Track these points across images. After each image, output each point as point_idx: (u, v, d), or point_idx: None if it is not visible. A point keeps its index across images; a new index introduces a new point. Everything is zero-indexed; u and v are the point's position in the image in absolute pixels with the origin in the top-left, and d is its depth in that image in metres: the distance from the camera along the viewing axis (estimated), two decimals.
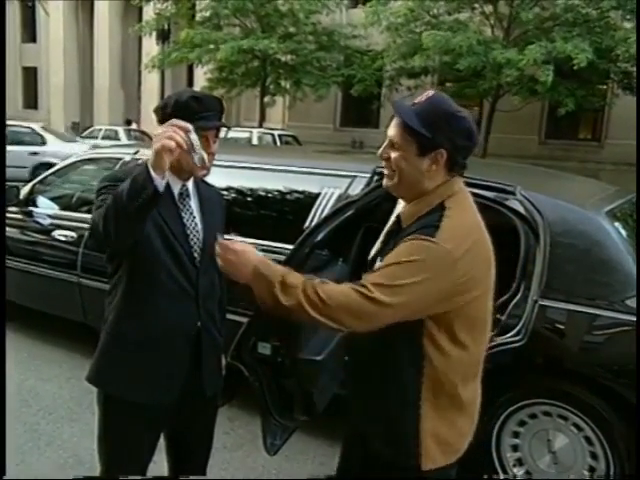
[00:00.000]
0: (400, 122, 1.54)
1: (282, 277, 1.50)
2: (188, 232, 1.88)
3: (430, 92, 1.59)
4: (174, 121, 1.59)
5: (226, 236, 1.62)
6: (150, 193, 1.54)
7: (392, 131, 1.56)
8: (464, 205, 1.59)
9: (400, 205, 1.69)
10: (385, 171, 1.62)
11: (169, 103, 1.82)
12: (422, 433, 1.58)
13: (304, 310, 1.47)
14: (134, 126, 21.79)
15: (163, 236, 1.82)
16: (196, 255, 1.89)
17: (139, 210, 1.57)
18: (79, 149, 11.11)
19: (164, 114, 1.82)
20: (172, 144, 1.51)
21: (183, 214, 1.89)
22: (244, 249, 1.57)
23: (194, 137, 1.60)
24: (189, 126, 1.58)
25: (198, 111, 1.78)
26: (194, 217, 1.91)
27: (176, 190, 1.88)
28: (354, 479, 1.86)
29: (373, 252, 1.74)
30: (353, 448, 1.85)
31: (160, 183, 1.54)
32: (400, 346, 1.58)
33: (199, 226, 1.91)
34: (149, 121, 21.84)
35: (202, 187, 1.99)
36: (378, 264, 1.59)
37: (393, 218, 1.70)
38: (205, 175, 1.88)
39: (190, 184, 1.93)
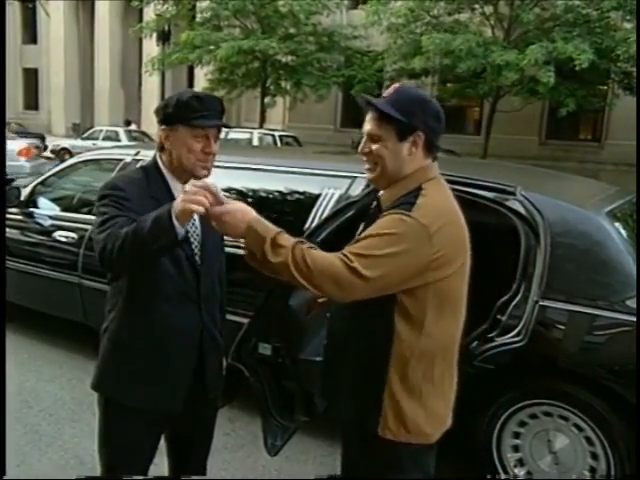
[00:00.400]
0: (376, 115, 1.64)
1: (274, 235, 1.54)
2: (189, 235, 1.87)
3: (396, 84, 1.72)
4: (205, 184, 1.58)
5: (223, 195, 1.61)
6: (171, 239, 1.58)
7: (369, 125, 1.66)
8: (440, 190, 1.68)
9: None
10: (366, 165, 1.70)
11: (170, 103, 1.83)
12: (385, 402, 1.65)
13: (289, 270, 1.51)
14: (133, 126, 21.80)
15: None
16: (197, 258, 1.89)
17: (158, 251, 1.62)
18: None
19: (165, 114, 1.83)
20: (201, 210, 1.52)
21: None
22: (238, 208, 1.58)
23: (220, 194, 1.61)
24: (217, 187, 1.60)
25: (199, 110, 1.78)
26: (194, 220, 1.90)
27: (176, 192, 1.87)
28: (355, 478, 1.87)
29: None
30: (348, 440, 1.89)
31: (181, 231, 1.58)
32: (372, 319, 1.66)
33: (199, 229, 1.91)
34: (149, 122, 21.89)
35: None
36: (362, 235, 1.63)
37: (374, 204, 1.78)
38: (206, 176, 1.88)
39: None
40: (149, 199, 1.80)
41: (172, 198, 1.83)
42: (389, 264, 1.52)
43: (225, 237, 2.10)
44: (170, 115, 1.81)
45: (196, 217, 1.90)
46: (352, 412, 1.74)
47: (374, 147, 1.65)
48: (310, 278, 1.51)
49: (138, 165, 1.97)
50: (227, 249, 2.11)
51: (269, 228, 1.56)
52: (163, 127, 1.84)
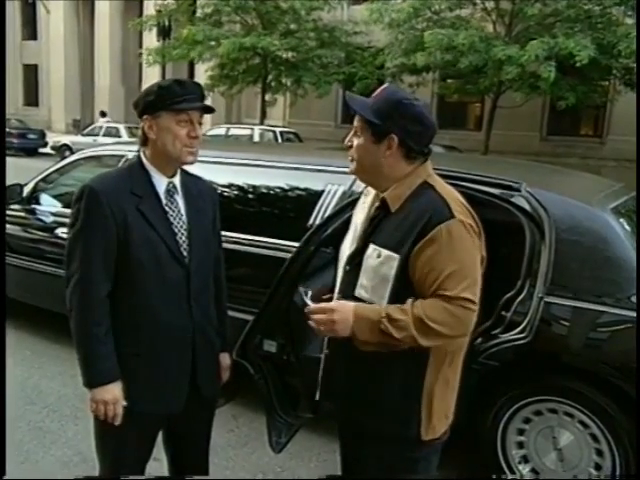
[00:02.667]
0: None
1: (386, 313, 1.55)
2: (176, 231, 1.85)
3: (385, 85, 1.76)
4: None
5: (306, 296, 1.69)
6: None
7: (355, 121, 1.70)
8: (443, 182, 1.71)
9: (370, 195, 1.79)
10: (349, 157, 1.74)
11: (151, 90, 1.81)
12: (423, 404, 1.66)
13: (414, 340, 1.54)
14: (108, 119, 21.60)
15: (149, 242, 1.79)
16: (185, 254, 1.86)
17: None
18: None
19: (146, 102, 1.80)
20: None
21: (170, 212, 1.85)
22: (337, 305, 1.63)
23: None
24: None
25: (181, 94, 1.77)
26: (181, 215, 1.87)
27: (162, 188, 1.85)
28: (357, 478, 1.87)
29: (355, 240, 1.75)
30: (349, 440, 1.87)
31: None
32: None
33: (186, 225, 1.87)
34: None
35: (191, 182, 1.95)
36: (438, 267, 1.57)
37: (370, 202, 1.76)
38: (193, 162, 1.85)
39: (177, 180, 1.89)
40: (130, 195, 1.79)
41: (155, 194, 1.83)
42: (477, 275, 1.59)
43: (221, 233, 2.09)
44: (152, 103, 1.79)
45: (184, 214, 1.88)
46: (381, 418, 1.70)
47: (355, 142, 1.70)
48: (437, 333, 1.53)
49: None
50: (228, 245, 2.10)
51: (375, 308, 1.59)
52: (145, 117, 1.80)
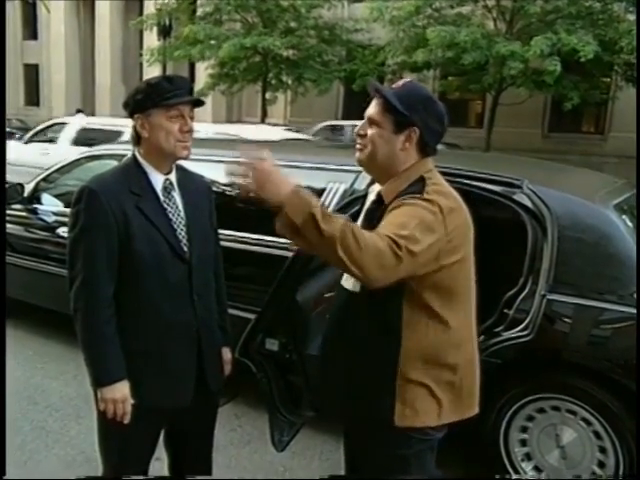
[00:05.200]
0: (381, 101, 1.65)
1: (322, 206, 1.46)
2: (175, 227, 1.86)
3: (406, 79, 1.76)
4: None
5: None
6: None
7: (372, 110, 1.67)
8: (441, 180, 1.70)
9: (373, 192, 1.78)
10: (358, 146, 1.71)
11: (139, 89, 1.82)
12: (397, 391, 1.65)
13: (334, 245, 1.41)
14: (82, 116, 21.61)
15: (150, 240, 1.80)
16: (185, 249, 1.86)
17: None
18: None
19: (136, 101, 1.80)
20: None
21: (169, 209, 1.86)
22: (278, 169, 1.48)
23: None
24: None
25: (171, 90, 1.78)
26: (179, 211, 1.88)
27: (159, 185, 1.85)
28: (359, 478, 1.88)
29: None
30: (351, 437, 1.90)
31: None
32: (382, 312, 1.65)
33: (184, 221, 1.88)
34: None
35: (186, 178, 1.96)
36: (382, 223, 1.58)
37: (372, 198, 1.77)
38: (187, 156, 1.85)
39: (173, 176, 1.90)
40: (128, 194, 1.79)
41: (153, 191, 1.84)
42: (424, 242, 1.50)
43: (219, 231, 2.09)
44: (142, 101, 1.79)
45: (181, 210, 1.88)
46: (365, 406, 1.73)
47: (370, 131, 1.67)
48: (356, 256, 1.42)
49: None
50: (227, 244, 2.09)
51: (314, 197, 1.48)
52: (136, 116, 1.81)
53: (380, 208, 1.67)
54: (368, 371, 1.69)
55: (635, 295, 2.47)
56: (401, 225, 1.51)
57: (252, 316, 2.60)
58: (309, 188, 3.39)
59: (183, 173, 1.96)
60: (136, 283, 1.81)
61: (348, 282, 1.74)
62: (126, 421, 1.81)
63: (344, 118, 21.20)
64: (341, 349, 1.76)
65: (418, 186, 1.62)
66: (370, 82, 1.73)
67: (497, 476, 2.67)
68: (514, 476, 2.64)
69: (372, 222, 1.66)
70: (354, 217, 2.54)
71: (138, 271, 1.80)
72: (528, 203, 2.67)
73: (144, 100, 1.79)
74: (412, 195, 1.58)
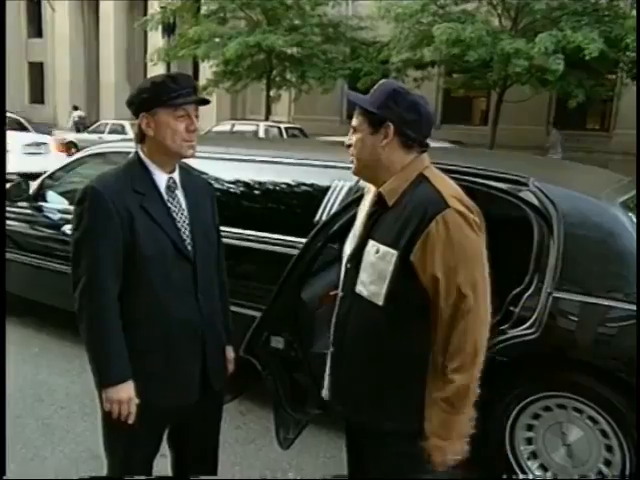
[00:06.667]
0: (358, 107, 1.69)
1: (449, 405, 1.58)
2: (179, 226, 1.85)
3: (382, 80, 1.77)
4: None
5: None
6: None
7: (354, 118, 1.71)
8: (442, 175, 1.70)
9: (370, 192, 1.78)
10: (350, 158, 1.73)
11: (144, 88, 1.80)
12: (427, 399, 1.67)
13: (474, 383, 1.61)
14: (80, 113, 21.83)
15: (155, 240, 1.79)
16: (189, 248, 1.86)
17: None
18: None
19: (141, 100, 1.79)
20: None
21: (173, 208, 1.85)
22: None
23: None
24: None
25: (176, 89, 1.77)
26: (183, 210, 1.88)
27: (162, 184, 1.85)
28: (360, 478, 1.88)
29: (355, 238, 1.76)
30: (356, 439, 1.88)
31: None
32: (409, 322, 1.66)
33: (188, 219, 1.88)
34: None
35: (188, 177, 1.95)
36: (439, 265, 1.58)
37: (370, 199, 1.76)
38: (193, 155, 1.85)
39: (176, 175, 1.90)
40: (132, 193, 1.78)
41: (157, 190, 1.83)
42: (484, 279, 1.60)
43: (221, 227, 2.09)
44: (147, 100, 1.78)
45: (185, 209, 1.88)
46: (390, 419, 1.71)
47: (353, 138, 1.70)
48: (474, 361, 1.59)
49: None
50: (235, 241, 2.09)
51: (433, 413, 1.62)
52: (142, 114, 1.80)
53: (382, 210, 1.68)
54: (395, 386, 1.68)
55: None
56: (469, 284, 1.55)
57: (257, 314, 2.60)
58: (314, 186, 3.41)
59: (185, 172, 1.95)
60: (141, 283, 1.81)
61: (367, 290, 1.68)
62: (131, 421, 1.81)
63: (348, 116, 21.18)
64: (364, 358, 1.72)
65: (425, 189, 1.62)
66: (347, 93, 1.76)
67: (504, 476, 2.66)
68: (521, 476, 2.63)
69: (375, 224, 1.67)
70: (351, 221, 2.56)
71: (143, 271, 1.79)
72: (534, 201, 2.66)
73: (150, 99, 1.78)
74: (437, 212, 1.56)
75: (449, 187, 1.65)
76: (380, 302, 1.64)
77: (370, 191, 1.80)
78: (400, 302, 1.62)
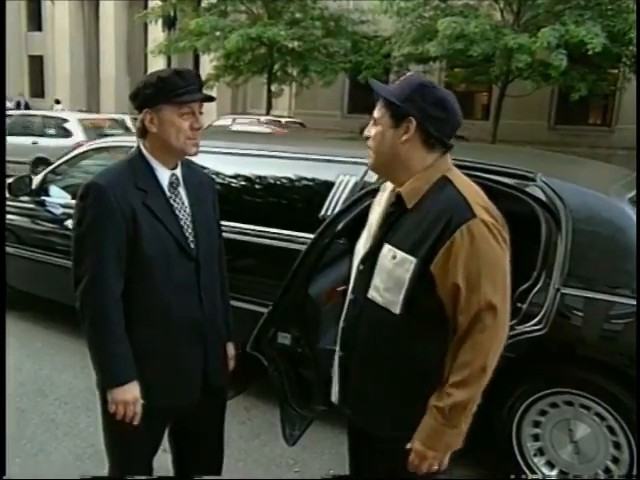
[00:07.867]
0: (381, 99, 1.60)
1: (442, 417, 1.53)
2: (182, 224, 1.82)
3: (408, 73, 1.70)
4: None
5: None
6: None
7: (376, 109, 1.62)
8: (465, 179, 1.61)
9: (386, 190, 1.70)
10: (368, 151, 1.65)
11: (149, 82, 1.75)
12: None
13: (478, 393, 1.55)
14: (62, 106, 21.79)
15: (158, 238, 1.77)
16: (192, 246, 1.83)
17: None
18: None
19: (146, 95, 1.75)
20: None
21: (175, 205, 1.83)
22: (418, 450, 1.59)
23: None
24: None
25: (182, 85, 1.73)
26: (186, 207, 1.85)
27: (165, 181, 1.82)
28: (361, 478, 1.86)
29: (369, 239, 1.68)
30: (360, 442, 1.84)
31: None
32: (427, 335, 1.58)
33: (190, 217, 1.85)
34: None
35: (190, 173, 1.92)
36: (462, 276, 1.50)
37: (386, 198, 1.68)
38: (196, 153, 1.82)
39: (179, 171, 1.87)
40: (135, 190, 1.75)
41: (159, 187, 1.80)
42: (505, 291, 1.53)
43: (222, 222, 2.08)
44: (152, 95, 1.74)
45: (187, 205, 1.85)
46: (405, 427, 1.64)
47: (373, 131, 1.61)
48: (485, 369, 1.52)
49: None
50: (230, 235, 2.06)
51: (431, 422, 1.55)
52: (146, 110, 1.76)
53: (400, 212, 1.59)
54: (408, 398, 1.62)
55: None
56: (490, 299, 1.48)
57: (264, 310, 2.59)
58: (318, 181, 3.38)
59: (187, 167, 1.92)
60: (144, 282, 1.78)
61: (381, 296, 1.60)
62: (136, 422, 1.78)
63: (349, 110, 21.17)
64: (377, 367, 1.66)
65: (450, 193, 1.53)
66: (371, 81, 1.65)
67: (512, 476, 2.65)
68: (530, 476, 2.61)
69: (393, 227, 1.59)
70: (363, 215, 2.53)
71: (146, 269, 1.76)
72: (542, 196, 2.64)
73: (155, 94, 1.73)
74: (462, 222, 1.48)
75: (475, 193, 1.56)
76: (397, 311, 1.55)
77: (386, 189, 1.71)
78: (417, 312, 1.55)
